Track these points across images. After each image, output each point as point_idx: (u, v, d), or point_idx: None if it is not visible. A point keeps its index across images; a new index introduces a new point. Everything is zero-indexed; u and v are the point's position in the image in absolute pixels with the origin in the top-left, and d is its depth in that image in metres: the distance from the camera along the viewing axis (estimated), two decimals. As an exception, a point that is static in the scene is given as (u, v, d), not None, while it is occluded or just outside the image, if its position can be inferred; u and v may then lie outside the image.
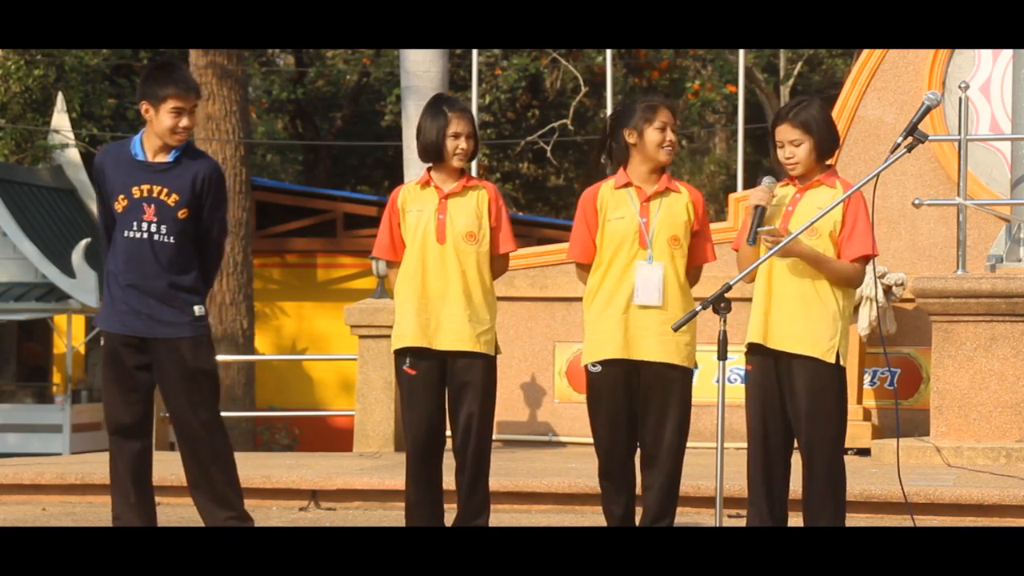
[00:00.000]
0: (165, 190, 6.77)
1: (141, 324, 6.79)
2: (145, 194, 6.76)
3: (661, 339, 6.65)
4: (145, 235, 6.76)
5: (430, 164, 7.02)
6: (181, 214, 6.78)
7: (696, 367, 6.88)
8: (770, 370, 6.42)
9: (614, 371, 6.70)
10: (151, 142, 6.79)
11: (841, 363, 6.39)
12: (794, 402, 6.38)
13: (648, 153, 6.69)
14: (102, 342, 6.93)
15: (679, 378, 6.71)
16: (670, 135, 6.69)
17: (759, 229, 6.32)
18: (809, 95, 10.06)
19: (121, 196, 6.77)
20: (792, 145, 6.38)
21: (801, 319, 6.35)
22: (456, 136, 6.90)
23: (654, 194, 6.70)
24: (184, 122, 6.75)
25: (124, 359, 6.84)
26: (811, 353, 6.34)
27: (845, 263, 6.38)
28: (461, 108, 6.96)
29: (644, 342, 6.66)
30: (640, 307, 6.65)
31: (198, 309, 6.85)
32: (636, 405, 6.72)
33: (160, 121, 6.74)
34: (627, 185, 6.72)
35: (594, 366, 6.73)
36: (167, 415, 7.24)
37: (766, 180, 6.39)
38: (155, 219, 6.76)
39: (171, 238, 6.77)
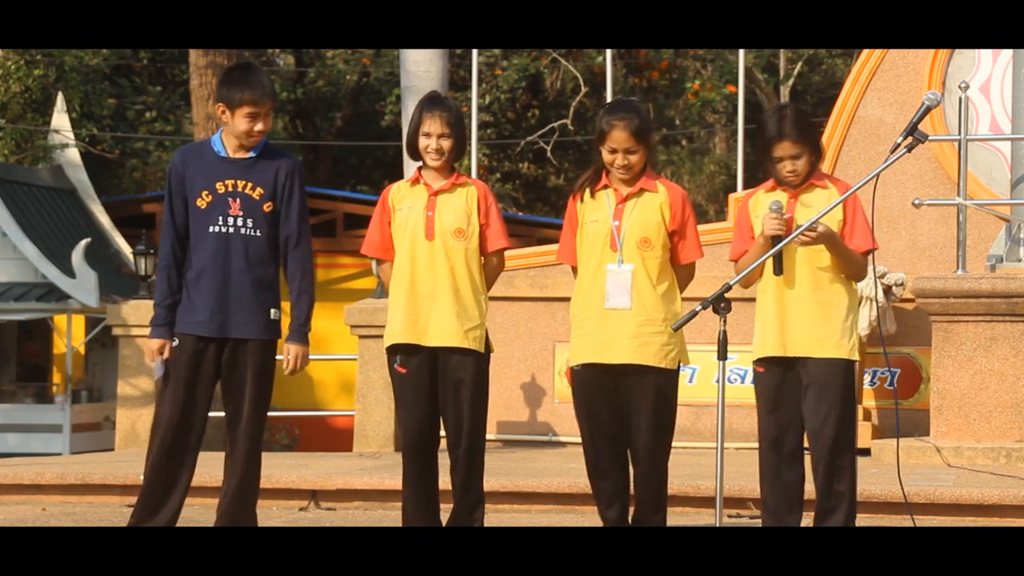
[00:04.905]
0: (250, 184, 6.80)
1: (218, 325, 6.80)
2: (230, 189, 6.79)
3: (634, 342, 6.64)
4: (231, 229, 6.78)
5: (419, 163, 7.05)
6: (267, 207, 6.81)
7: (681, 367, 6.80)
8: (785, 373, 6.45)
9: (593, 370, 6.73)
10: (230, 141, 6.83)
11: (857, 358, 6.48)
12: (812, 403, 6.40)
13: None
14: (174, 343, 6.79)
15: (654, 378, 6.67)
16: (620, 159, 6.65)
17: (801, 225, 6.29)
18: (808, 95, 10.04)
19: (205, 192, 6.78)
20: (793, 160, 6.42)
21: (819, 323, 6.42)
22: (427, 136, 6.91)
23: (629, 195, 6.72)
24: (259, 126, 6.78)
25: (204, 361, 6.82)
26: (834, 355, 6.41)
27: (858, 254, 6.48)
28: (440, 108, 6.93)
29: (618, 346, 6.67)
30: (612, 310, 6.66)
31: (274, 312, 6.93)
32: (620, 405, 6.73)
33: (235, 124, 6.77)
34: (606, 187, 6.76)
35: (577, 366, 6.78)
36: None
37: (774, 207, 6.37)
38: (241, 213, 6.79)
39: (258, 231, 6.81)
